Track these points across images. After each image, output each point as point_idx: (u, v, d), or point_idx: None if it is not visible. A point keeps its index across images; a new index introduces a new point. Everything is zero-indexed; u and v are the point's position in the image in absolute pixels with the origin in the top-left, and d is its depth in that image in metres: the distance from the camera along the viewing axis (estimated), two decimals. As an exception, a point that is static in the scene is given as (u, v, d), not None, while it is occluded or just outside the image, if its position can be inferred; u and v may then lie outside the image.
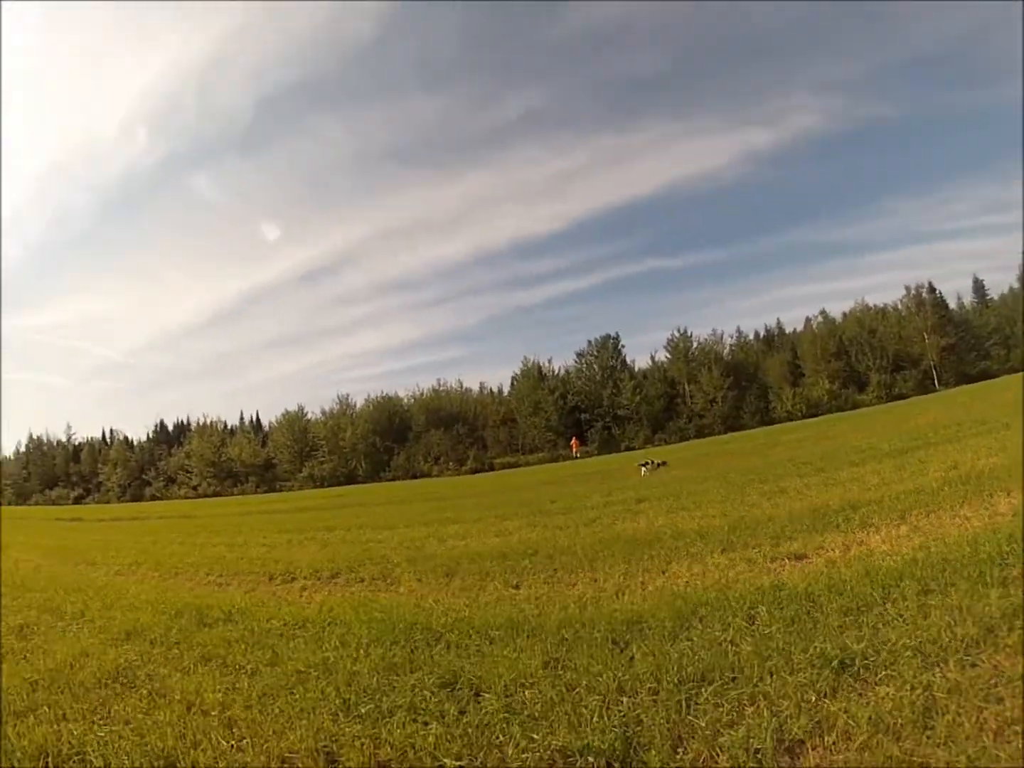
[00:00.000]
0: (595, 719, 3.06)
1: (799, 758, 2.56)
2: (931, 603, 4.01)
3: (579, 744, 2.85)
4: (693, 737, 2.79)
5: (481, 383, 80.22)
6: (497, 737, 3.06)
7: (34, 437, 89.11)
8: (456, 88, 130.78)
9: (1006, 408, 18.53)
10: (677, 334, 71.98)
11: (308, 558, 10.14)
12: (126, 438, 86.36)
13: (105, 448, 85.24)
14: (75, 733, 3.52)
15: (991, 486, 7.51)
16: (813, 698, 3.01)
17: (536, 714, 3.23)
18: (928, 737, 2.53)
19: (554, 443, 63.98)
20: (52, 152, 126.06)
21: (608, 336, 72.45)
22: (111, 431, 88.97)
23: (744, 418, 61.22)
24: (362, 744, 3.13)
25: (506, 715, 3.27)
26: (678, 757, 2.64)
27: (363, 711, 3.53)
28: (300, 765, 2.98)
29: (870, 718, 2.70)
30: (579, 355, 73.63)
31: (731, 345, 73.29)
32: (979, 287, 69.32)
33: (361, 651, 4.61)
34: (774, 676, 3.29)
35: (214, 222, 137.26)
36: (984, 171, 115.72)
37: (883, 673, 3.16)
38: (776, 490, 10.92)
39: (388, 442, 70.94)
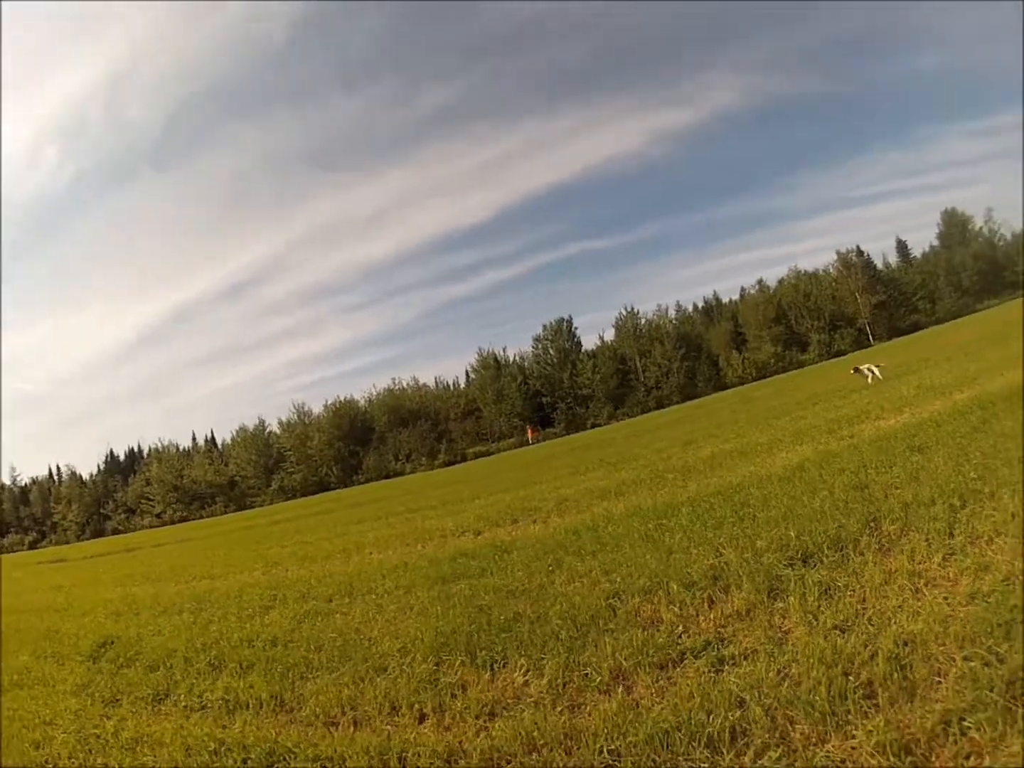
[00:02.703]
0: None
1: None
2: (943, 426, 8.61)
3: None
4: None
5: (436, 377, 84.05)
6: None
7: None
8: (372, 87, 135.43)
9: (941, 350, 24.45)
10: (624, 312, 77.77)
11: (458, 523, 11.99)
12: (74, 473, 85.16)
13: (55, 486, 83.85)
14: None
15: (948, 391, 12.34)
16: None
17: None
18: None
19: (521, 428, 68.30)
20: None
21: (562, 319, 77.75)
22: (58, 467, 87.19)
23: (699, 386, 67.40)
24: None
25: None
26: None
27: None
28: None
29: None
30: (536, 340, 78.45)
31: (674, 318, 79.63)
32: (902, 247, 77.94)
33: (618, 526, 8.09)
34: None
35: (130, 242, 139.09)
36: (893, 139, 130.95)
37: (932, 451, 7.65)
38: (803, 413, 15.82)
39: (352, 446, 73.37)
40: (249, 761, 3.79)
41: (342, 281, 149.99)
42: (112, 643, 7.99)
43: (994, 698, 2.65)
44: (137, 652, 7.26)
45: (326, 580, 9.19)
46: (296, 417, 78.87)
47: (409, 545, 10.96)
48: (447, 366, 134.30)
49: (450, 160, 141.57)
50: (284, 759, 3.73)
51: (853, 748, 2.66)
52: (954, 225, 76.34)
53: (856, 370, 21.93)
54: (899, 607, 3.76)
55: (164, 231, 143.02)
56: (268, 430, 79.81)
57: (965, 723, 2.58)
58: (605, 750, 3.08)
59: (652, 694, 3.53)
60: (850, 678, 3.08)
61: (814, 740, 2.78)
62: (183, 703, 5.18)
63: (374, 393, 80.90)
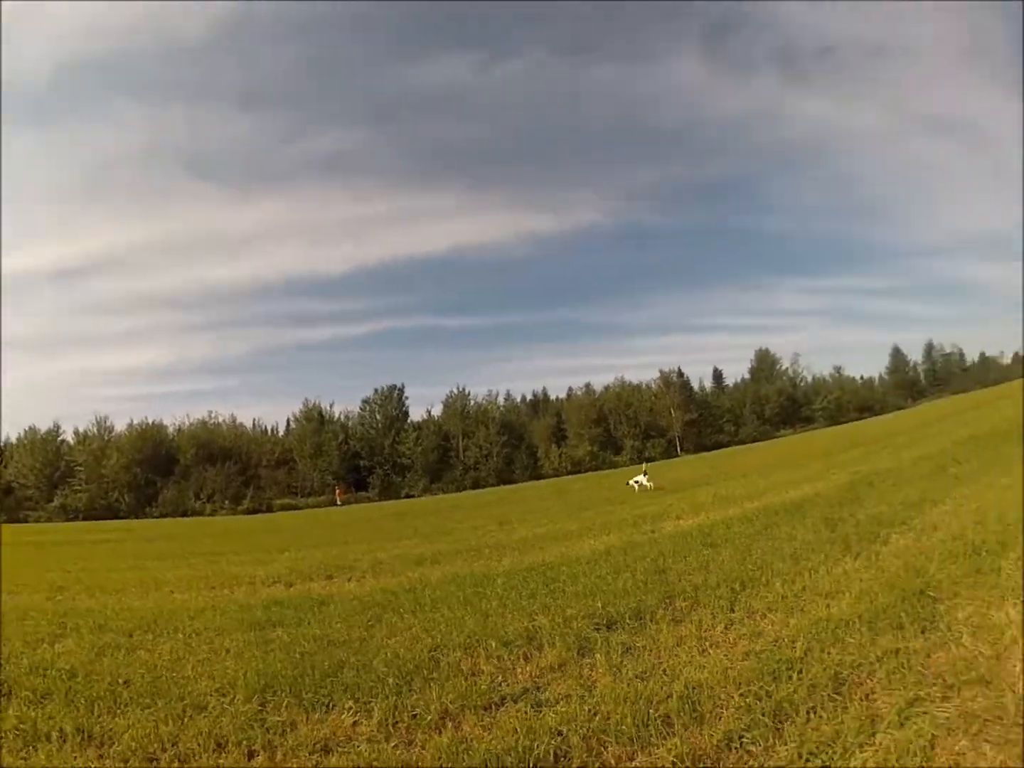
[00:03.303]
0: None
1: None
2: (732, 528, 9.90)
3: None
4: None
5: (255, 419, 79.59)
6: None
7: None
8: (268, 113, 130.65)
9: (739, 467, 27.86)
10: (456, 391, 79.85)
11: (268, 572, 11.70)
12: None
13: None
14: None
15: (740, 501, 14.17)
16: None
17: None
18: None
19: (334, 487, 66.33)
20: None
21: (394, 387, 77.87)
22: None
23: (516, 472, 69.66)
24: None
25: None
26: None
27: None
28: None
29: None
30: (365, 402, 77.87)
31: (502, 406, 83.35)
32: (718, 374, 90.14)
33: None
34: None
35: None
36: (728, 280, 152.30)
37: (721, 547, 8.81)
38: (611, 509, 17.12)
39: (150, 474, 66.40)
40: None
41: (184, 297, 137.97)
42: None
43: (765, 721, 3.34)
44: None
45: (123, 614, 8.63)
46: (95, 430, 69.88)
47: (215, 589, 10.53)
48: (269, 410, 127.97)
49: (325, 206, 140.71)
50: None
51: (656, 762, 3.18)
52: (765, 363, 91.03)
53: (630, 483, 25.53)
54: (688, 662, 4.42)
55: (7, 188, 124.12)
56: (61, 438, 70.09)
57: (743, 739, 3.23)
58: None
59: (479, 730, 3.80)
60: (651, 712, 3.59)
61: (624, 758, 3.29)
62: (-32, 729, 4.61)
63: (186, 422, 74.44)
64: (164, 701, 4.77)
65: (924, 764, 2.77)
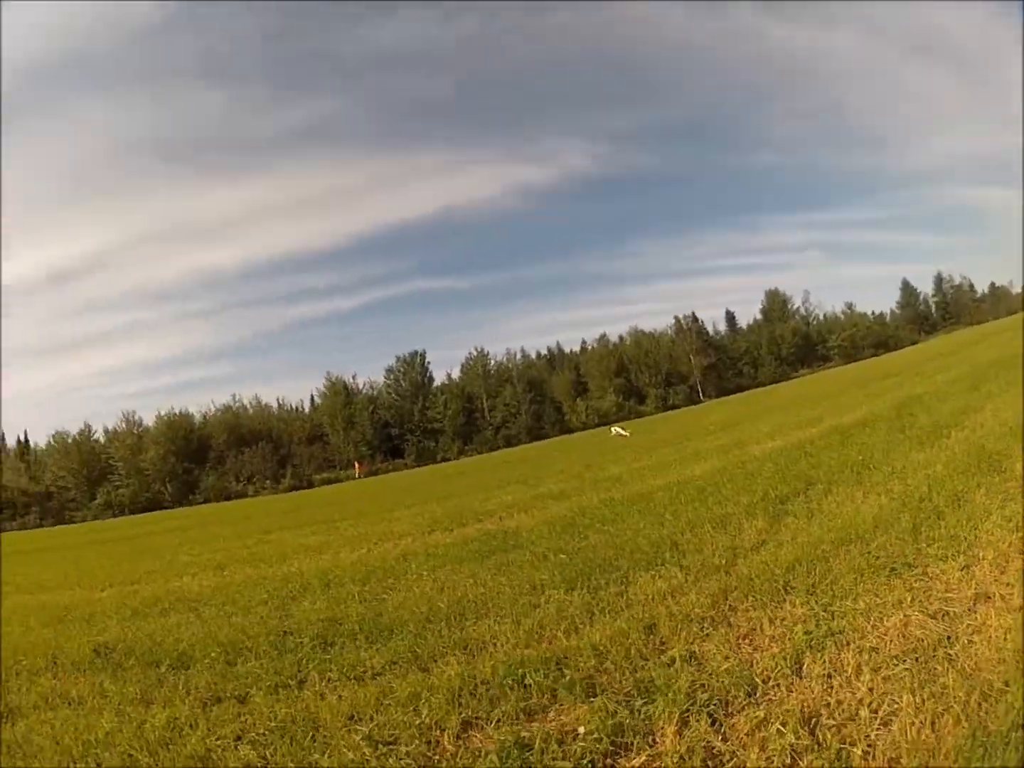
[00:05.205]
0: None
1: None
2: (816, 443, 12.78)
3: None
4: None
5: (279, 398, 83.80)
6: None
7: None
8: (238, 87, 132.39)
9: (777, 404, 30.94)
10: (475, 353, 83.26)
11: (411, 527, 12.95)
12: None
13: None
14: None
15: (803, 427, 16.96)
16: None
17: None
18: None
19: (372, 457, 69.99)
20: None
21: (416, 352, 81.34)
22: None
23: (544, 428, 73.27)
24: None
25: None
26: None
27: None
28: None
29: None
30: (388, 371, 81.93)
31: (520, 363, 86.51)
32: (731, 318, 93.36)
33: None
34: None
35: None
36: (727, 221, 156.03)
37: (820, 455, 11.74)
38: (686, 444, 20.03)
39: (186, 463, 70.72)
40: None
41: (180, 286, 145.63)
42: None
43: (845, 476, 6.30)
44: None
45: (342, 567, 9.62)
46: (125, 426, 74.38)
47: (386, 541, 11.81)
48: (285, 388, 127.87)
49: (308, 177, 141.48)
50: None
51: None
52: (775, 303, 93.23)
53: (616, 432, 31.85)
54: (849, 509, 7.30)
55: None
56: (94, 437, 74.71)
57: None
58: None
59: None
60: (858, 529, 6.53)
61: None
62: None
63: (212, 409, 79.11)
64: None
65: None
